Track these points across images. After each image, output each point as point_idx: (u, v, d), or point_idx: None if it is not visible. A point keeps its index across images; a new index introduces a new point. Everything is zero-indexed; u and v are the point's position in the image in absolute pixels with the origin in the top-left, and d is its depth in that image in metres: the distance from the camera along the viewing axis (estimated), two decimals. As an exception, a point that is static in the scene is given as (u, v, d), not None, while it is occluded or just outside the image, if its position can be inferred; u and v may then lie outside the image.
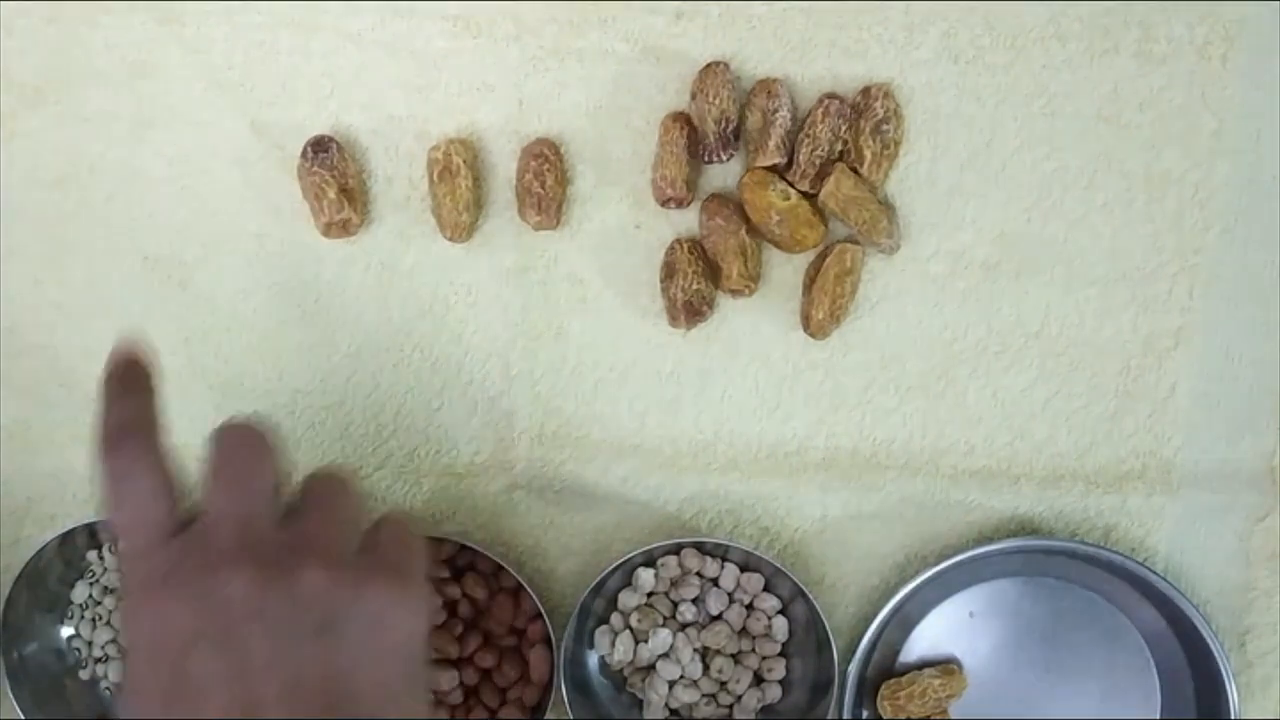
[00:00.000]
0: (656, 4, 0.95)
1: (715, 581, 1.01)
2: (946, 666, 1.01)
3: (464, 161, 0.96)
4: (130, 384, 0.80)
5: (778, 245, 0.96)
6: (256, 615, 0.68)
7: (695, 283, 0.96)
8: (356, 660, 0.70)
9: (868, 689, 1.01)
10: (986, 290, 0.97)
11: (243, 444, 0.75)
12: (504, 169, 0.99)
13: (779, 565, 0.97)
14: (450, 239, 0.97)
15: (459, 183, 0.96)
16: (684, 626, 1.01)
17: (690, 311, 0.96)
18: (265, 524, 0.72)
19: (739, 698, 1.01)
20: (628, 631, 1.01)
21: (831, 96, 0.94)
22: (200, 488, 0.73)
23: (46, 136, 1.00)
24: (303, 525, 0.73)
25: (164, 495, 0.73)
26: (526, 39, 0.96)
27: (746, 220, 0.96)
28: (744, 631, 1.01)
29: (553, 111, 0.97)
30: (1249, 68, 0.94)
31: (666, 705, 1.01)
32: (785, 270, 0.98)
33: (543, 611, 0.98)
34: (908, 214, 0.97)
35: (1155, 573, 0.97)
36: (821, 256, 0.96)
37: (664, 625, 1.00)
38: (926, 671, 1.01)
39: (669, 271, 0.97)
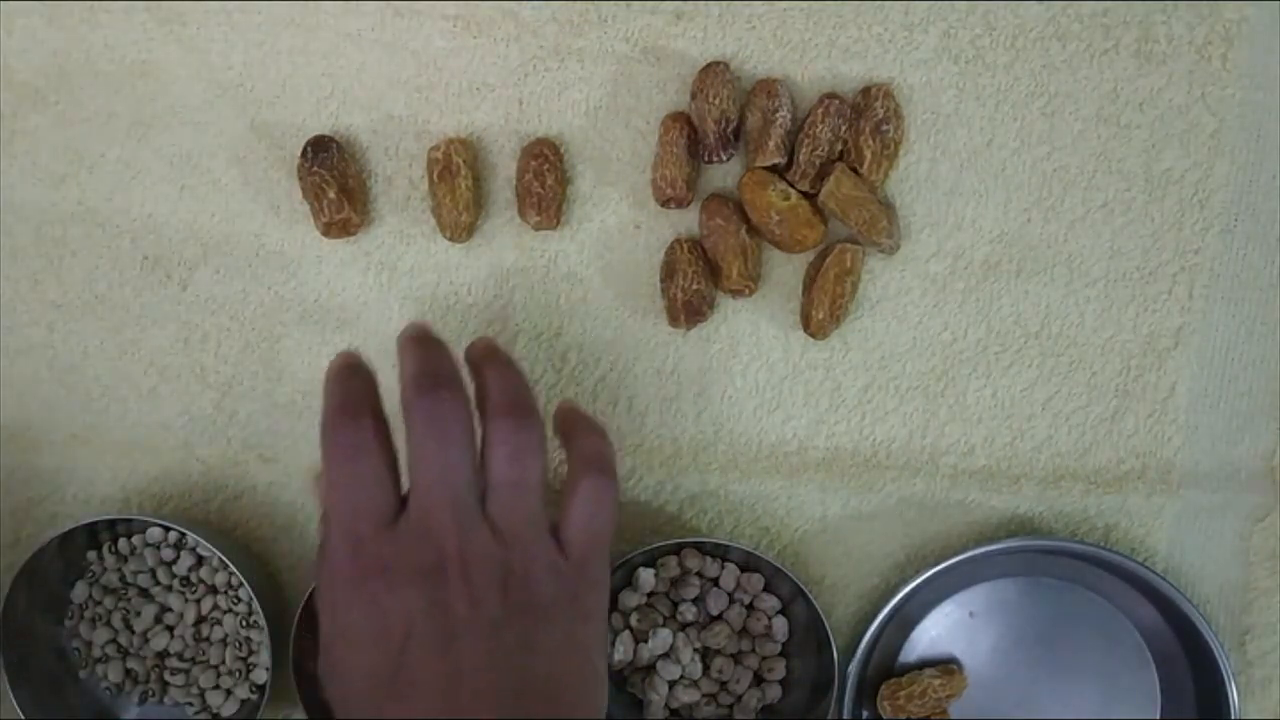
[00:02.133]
0: (656, 4, 0.95)
1: (715, 581, 1.00)
2: (946, 666, 1.00)
3: (464, 161, 0.95)
4: (353, 371, 0.82)
5: (778, 245, 0.96)
6: (470, 623, 0.73)
7: (695, 283, 0.95)
8: (554, 666, 0.75)
9: (868, 689, 1.01)
10: (986, 290, 0.97)
11: (440, 421, 0.77)
12: (504, 169, 0.98)
13: (779, 565, 0.97)
14: (450, 239, 0.97)
15: (459, 183, 0.95)
16: (684, 626, 1.00)
17: (690, 311, 0.96)
18: (473, 513, 0.76)
19: (739, 698, 1.00)
20: (628, 631, 1.00)
21: (831, 96, 0.94)
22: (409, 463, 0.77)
23: (46, 136, 1.00)
24: (505, 516, 0.77)
25: (386, 480, 0.77)
26: (526, 39, 0.96)
27: (746, 220, 0.95)
28: (744, 631, 1.00)
29: (553, 111, 0.97)
30: (1249, 68, 0.94)
31: (667, 705, 1.00)
32: (785, 270, 0.98)
33: (543, 611, 0.97)
34: (908, 214, 0.96)
35: (1155, 572, 0.96)
36: (821, 256, 0.96)
37: (664, 625, 0.99)
38: (926, 671, 1.00)
39: (669, 271, 0.96)
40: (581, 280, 0.99)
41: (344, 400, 0.79)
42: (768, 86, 0.94)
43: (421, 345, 0.81)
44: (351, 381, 0.81)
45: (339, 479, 0.76)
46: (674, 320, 0.97)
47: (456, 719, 0.71)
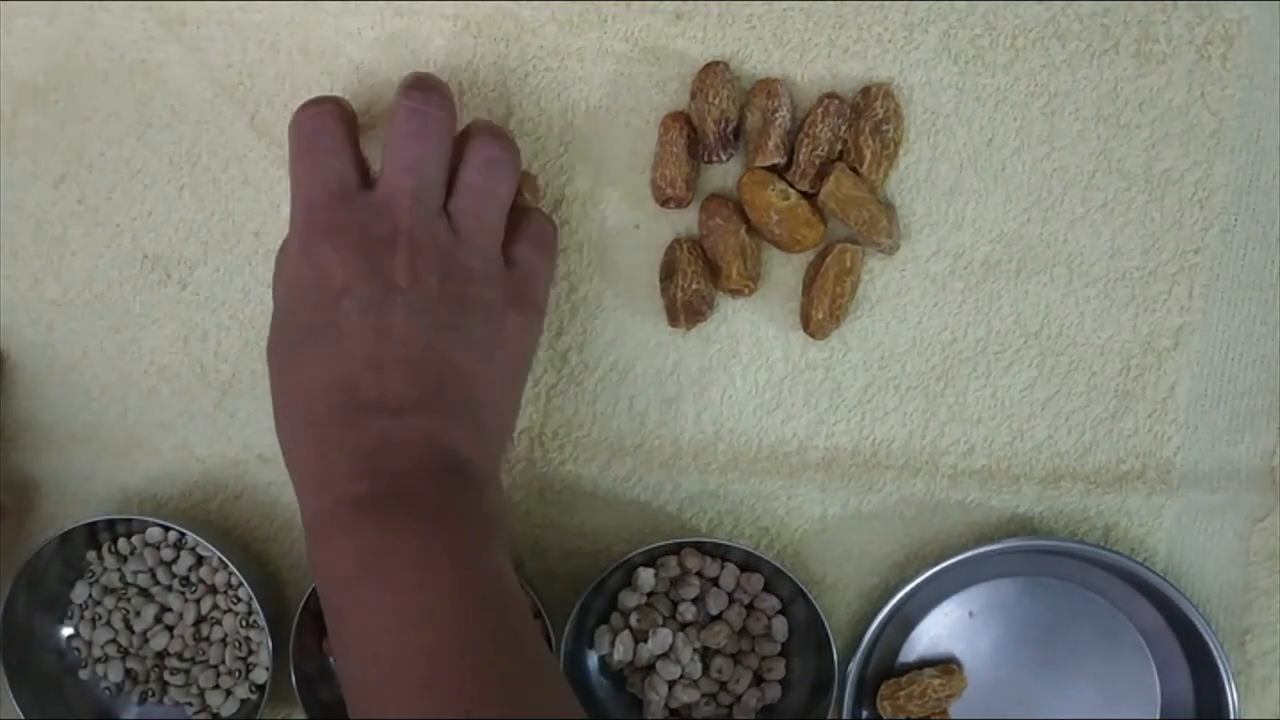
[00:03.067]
0: (656, 4, 0.94)
1: (715, 581, 1.00)
2: (946, 666, 1.00)
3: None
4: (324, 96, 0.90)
5: (777, 245, 0.95)
6: (406, 293, 0.81)
7: (695, 282, 0.95)
8: (474, 358, 0.84)
9: (868, 689, 1.00)
10: (986, 290, 0.97)
11: (423, 117, 0.84)
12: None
13: (779, 565, 0.96)
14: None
15: None
16: (684, 626, 0.99)
17: (690, 311, 0.95)
18: (433, 204, 0.84)
19: (739, 697, 1.00)
20: (627, 631, 1.00)
21: (831, 96, 0.93)
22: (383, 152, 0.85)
23: (46, 135, 0.99)
24: (464, 216, 0.85)
25: (346, 156, 0.85)
26: (526, 38, 0.96)
27: (746, 220, 0.95)
28: (744, 631, 1.00)
29: (552, 111, 0.97)
30: (1249, 67, 0.93)
31: (666, 705, 1.00)
32: (785, 270, 0.98)
33: (543, 611, 0.97)
34: (907, 214, 0.96)
35: (1155, 572, 0.96)
36: (821, 256, 0.95)
37: (664, 625, 0.99)
38: (926, 671, 1.00)
39: (668, 271, 0.96)
40: (581, 280, 0.98)
41: (315, 100, 0.88)
42: (767, 86, 0.93)
43: (422, 74, 0.88)
44: (320, 99, 0.89)
45: (300, 153, 0.86)
46: (674, 320, 0.96)
47: (374, 374, 0.80)
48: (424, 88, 0.85)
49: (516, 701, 0.75)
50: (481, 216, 0.85)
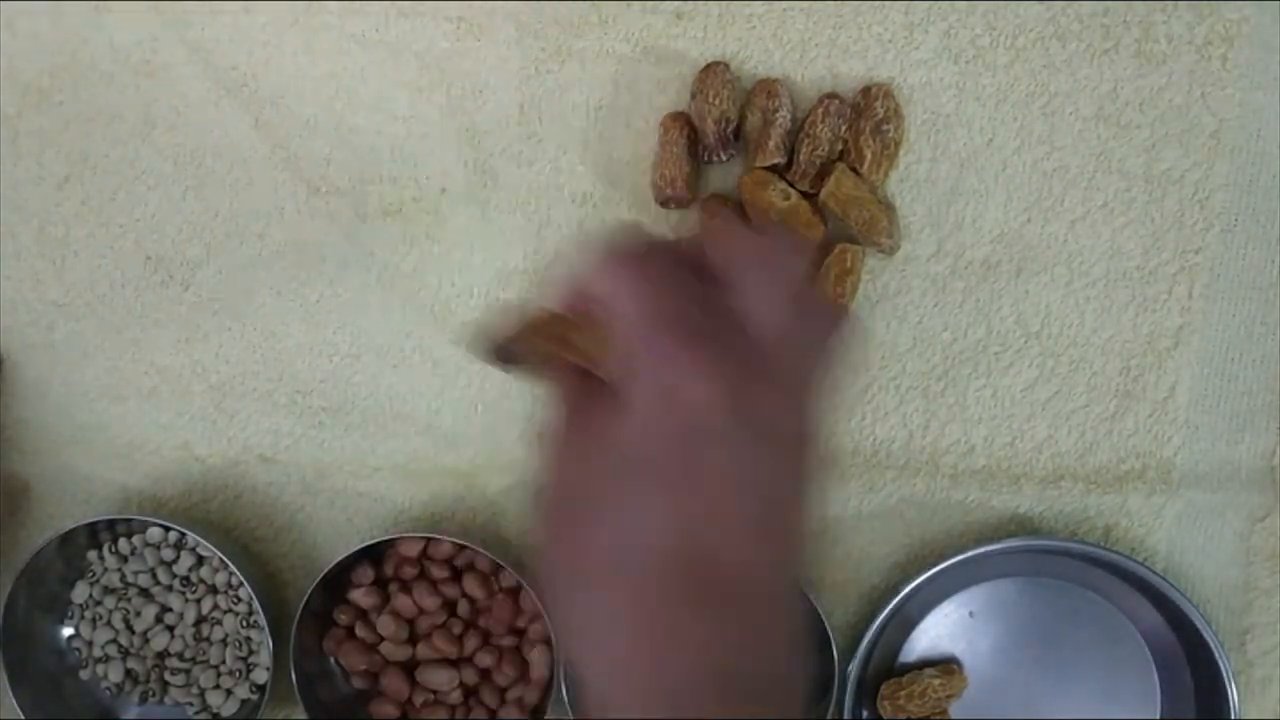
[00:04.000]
0: (656, 5, 0.94)
1: (715, 581, 0.99)
2: (946, 666, 0.99)
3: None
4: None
5: None
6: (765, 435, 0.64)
7: None
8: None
9: (868, 689, 1.00)
10: (986, 290, 0.96)
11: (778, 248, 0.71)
12: (504, 172, 0.97)
13: (778, 565, 0.95)
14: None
15: None
16: (684, 626, 0.98)
17: None
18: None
19: (738, 698, 0.98)
20: (628, 631, 0.99)
21: (831, 96, 0.93)
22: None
23: (51, 136, 0.99)
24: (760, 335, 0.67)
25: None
26: (528, 41, 0.95)
27: (746, 220, 0.94)
28: (744, 632, 0.99)
29: (554, 112, 0.96)
30: (1249, 68, 0.93)
31: (666, 705, 0.98)
32: (785, 270, 0.97)
33: (543, 611, 0.97)
34: (908, 214, 0.95)
35: (1155, 572, 0.95)
36: (821, 256, 0.95)
37: (664, 625, 0.98)
38: (926, 671, 0.99)
39: None
40: (579, 279, 0.97)
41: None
42: (768, 87, 0.93)
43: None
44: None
45: (628, 281, 0.66)
46: None
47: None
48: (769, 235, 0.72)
49: None
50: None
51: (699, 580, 0.61)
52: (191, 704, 1.02)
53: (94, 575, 1.03)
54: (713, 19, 0.94)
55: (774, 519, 0.64)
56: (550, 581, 0.65)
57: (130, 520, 1.01)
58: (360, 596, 1.00)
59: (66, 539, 0.99)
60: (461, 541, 0.98)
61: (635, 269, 0.67)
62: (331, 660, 1.02)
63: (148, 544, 1.02)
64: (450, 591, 1.00)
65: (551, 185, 0.97)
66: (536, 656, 0.99)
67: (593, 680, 0.63)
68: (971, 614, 1.00)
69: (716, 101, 0.92)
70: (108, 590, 1.03)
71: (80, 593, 1.03)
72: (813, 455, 0.69)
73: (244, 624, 1.01)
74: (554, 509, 0.66)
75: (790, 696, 0.62)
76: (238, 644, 1.01)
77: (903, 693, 0.98)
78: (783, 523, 0.65)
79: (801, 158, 0.93)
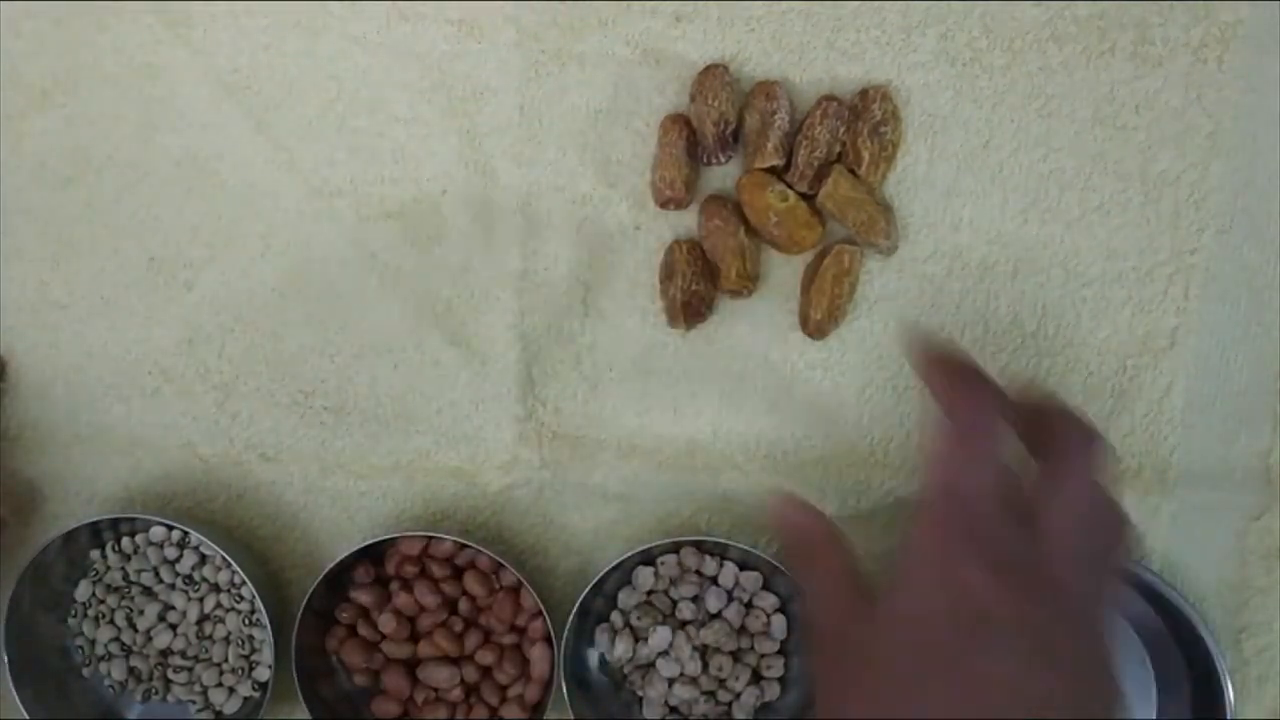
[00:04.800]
0: (656, 7, 0.93)
1: (714, 580, 0.99)
2: None
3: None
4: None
5: (776, 246, 0.94)
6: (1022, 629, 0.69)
7: (694, 283, 0.94)
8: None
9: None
10: (983, 291, 0.95)
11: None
12: (505, 173, 0.96)
13: (777, 563, 0.96)
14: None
15: None
16: (683, 624, 0.99)
17: (690, 312, 0.95)
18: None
19: (738, 695, 0.98)
20: (627, 629, 0.99)
21: (829, 99, 0.92)
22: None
23: (54, 138, 0.98)
24: (1053, 546, 0.73)
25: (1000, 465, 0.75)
26: (528, 43, 0.95)
27: (745, 221, 0.94)
28: (742, 629, 0.99)
29: (554, 115, 0.95)
30: (1245, 69, 0.92)
31: (665, 702, 0.99)
32: (784, 271, 0.97)
33: (543, 609, 0.96)
34: (905, 215, 0.95)
35: (1151, 571, 0.95)
36: (819, 257, 0.95)
37: (663, 623, 0.98)
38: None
39: (668, 272, 0.95)
40: (582, 281, 0.97)
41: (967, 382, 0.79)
42: (766, 89, 0.93)
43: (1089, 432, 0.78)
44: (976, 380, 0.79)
45: (961, 448, 0.75)
46: (674, 321, 0.96)
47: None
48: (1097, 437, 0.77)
49: None
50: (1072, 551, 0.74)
51: None
52: (194, 702, 1.02)
53: (97, 574, 1.02)
54: (712, 22, 0.94)
55: None
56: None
57: (133, 519, 1.01)
58: (362, 595, 1.00)
59: (70, 538, 0.98)
60: (462, 540, 0.98)
61: (963, 451, 0.74)
62: (333, 658, 1.02)
63: (150, 543, 1.01)
64: (451, 590, 0.99)
65: (552, 187, 0.96)
66: (537, 654, 0.98)
67: None
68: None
69: (715, 104, 0.92)
70: (110, 589, 1.03)
71: (83, 591, 1.03)
72: (1100, 683, 0.73)
73: (246, 622, 1.01)
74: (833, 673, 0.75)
75: None
76: (240, 642, 1.01)
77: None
78: None
79: (800, 159, 0.93)
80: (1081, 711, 0.69)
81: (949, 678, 0.69)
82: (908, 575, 0.74)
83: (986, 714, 0.67)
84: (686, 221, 0.96)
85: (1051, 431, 0.78)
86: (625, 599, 0.99)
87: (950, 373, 0.79)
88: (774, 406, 0.98)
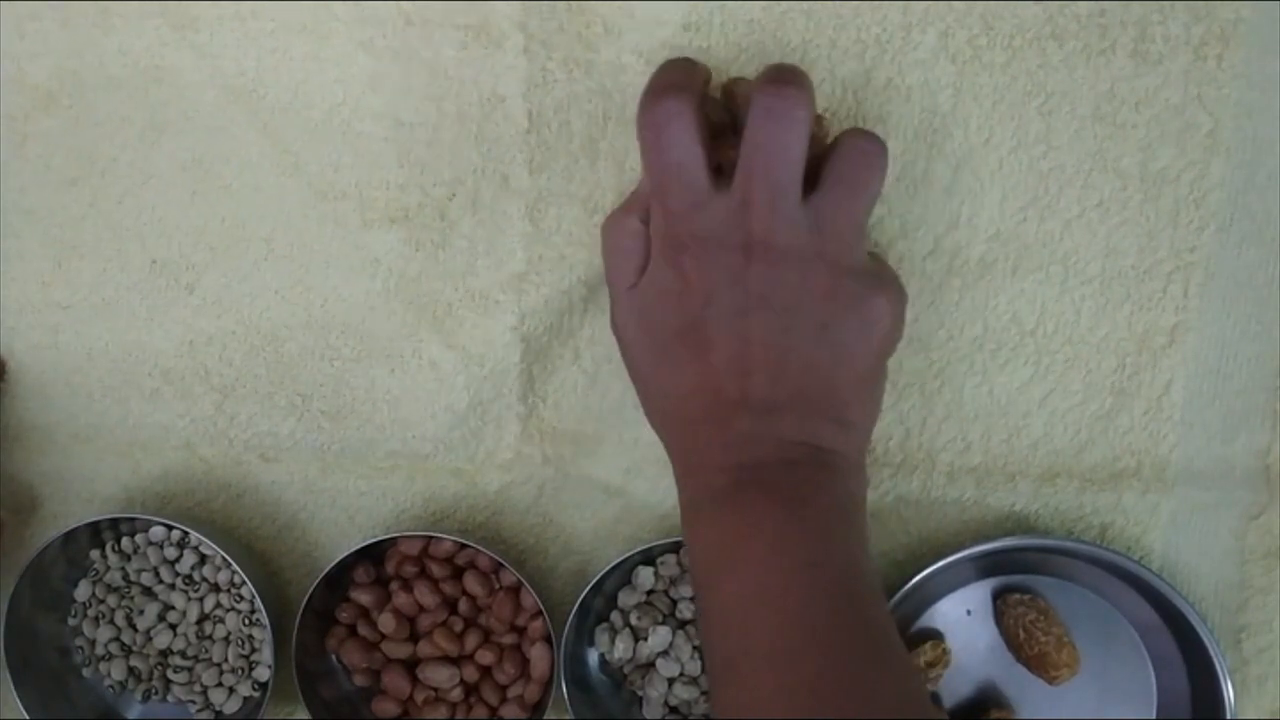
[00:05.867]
0: (663, 15, 0.93)
1: (714, 580, 0.98)
2: (934, 643, 0.98)
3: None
4: (679, 59, 0.88)
5: None
6: (767, 301, 0.80)
7: None
8: (839, 356, 0.82)
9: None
10: (982, 288, 0.95)
11: (784, 116, 0.80)
12: (516, 180, 0.96)
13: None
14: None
15: None
16: (683, 624, 0.98)
17: None
18: (792, 202, 0.80)
19: (737, 697, 0.98)
20: (627, 629, 0.98)
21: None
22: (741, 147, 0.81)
23: (59, 140, 0.98)
24: (832, 210, 0.82)
25: (699, 154, 0.82)
26: (536, 49, 0.94)
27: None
28: (743, 631, 0.98)
29: (562, 121, 0.95)
30: (1245, 68, 0.92)
31: (666, 702, 0.98)
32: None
33: (543, 609, 0.96)
34: (904, 212, 0.94)
35: (1151, 571, 0.94)
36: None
37: (663, 623, 0.98)
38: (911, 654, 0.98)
39: None
40: (583, 281, 0.97)
41: (665, 78, 0.85)
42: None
43: (783, 66, 0.83)
44: (673, 65, 0.87)
45: (652, 152, 0.83)
46: None
47: (739, 379, 0.81)
48: (782, 81, 0.81)
49: (858, 679, 0.74)
50: (851, 213, 0.83)
51: (711, 404, 0.83)
52: (194, 702, 1.01)
53: (97, 574, 1.02)
54: (716, 30, 0.93)
55: (761, 361, 0.82)
56: (643, 397, 0.89)
57: (133, 519, 1.00)
58: (361, 595, 0.99)
59: (70, 538, 0.98)
60: (462, 540, 0.97)
61: (666, 158, 0.83)
62: (333, 658, 1.01)
63: (150, 543, 1.01)
64: (451, 589, 0.99)
65: (560, 193, 0.96)
66: (537, 654, 0.98)
67: (672, 466, 0.87)
68: (969, 612, 0.99)
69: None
70: (110, 589, 1.02)
71: (83, 591, 1.02)
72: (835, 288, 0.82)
73: (246, 622, 1.00)
74: (640, 343, 0.87)
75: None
76: (240, 642, 1.00)
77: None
78: (771, 363, 0.81)
79: None
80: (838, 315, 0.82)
81: (680, 352, 0.84)
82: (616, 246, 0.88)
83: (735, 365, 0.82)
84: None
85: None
86: (625, 599, 0.99)
87: (661, 66, 0.88)
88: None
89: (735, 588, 0.77)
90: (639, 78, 0.93)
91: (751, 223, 0.80)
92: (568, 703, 0.97)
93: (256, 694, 1.01)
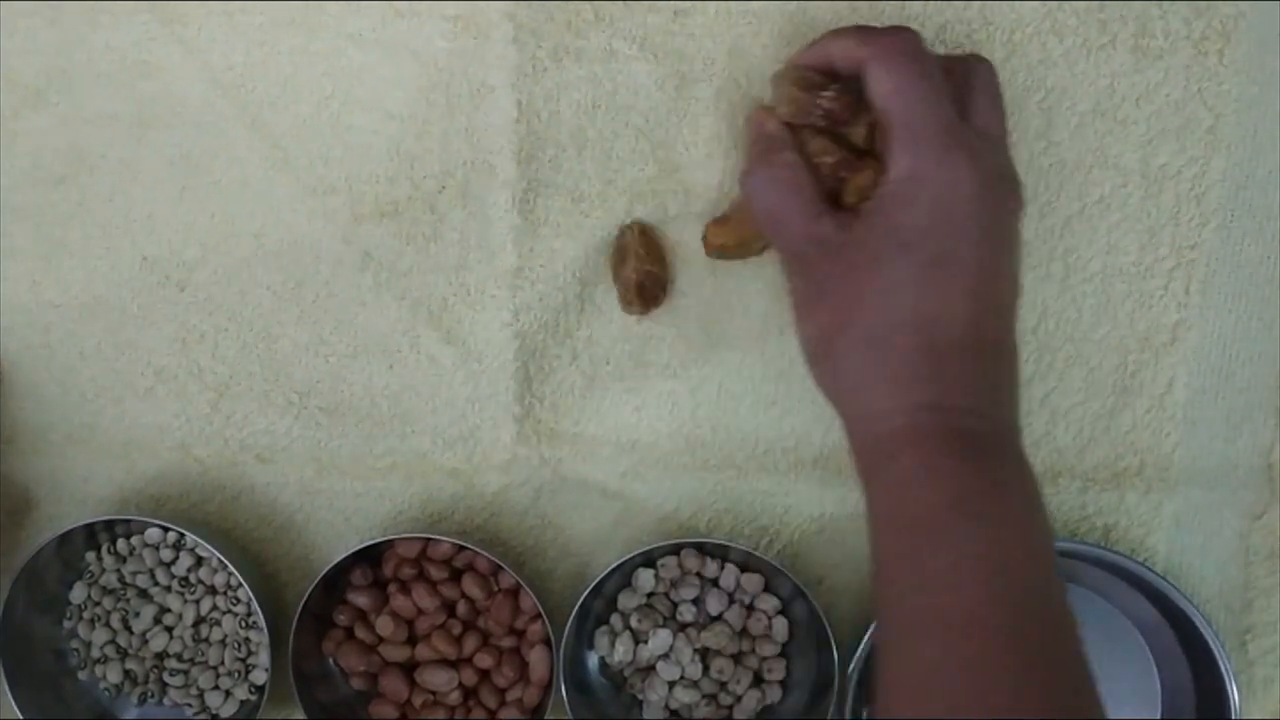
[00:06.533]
0: (655, 3, 0.93)
1: (715, 582, 0.99)
2: None
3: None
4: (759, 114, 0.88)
5: None
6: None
7: (648, 264, 0.94)
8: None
9: (868, 689, 0.98)
10: (983, 286, 0.95)
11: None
12: (503, 171, 0.96)
13: (779, 565, 0.95)
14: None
15: None
16: (683, 627, 0.99)
17: (645, 294, 0.95)
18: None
19: (739, 698, 0.98)
20: (627, 632, 0.99)
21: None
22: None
23: (47, 137, 0.98)
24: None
25: (802, 193, 0.82)
26: (526, 39, 0.94)
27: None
28: (744, 632, 0.99)
29: (553, 111, 0.95)
30: (1245, 63, 0.92)
31: (666, 706, 0.99)
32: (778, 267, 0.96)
33: (542, 612, 0.96)
34: (905, 210, 0.94)
35: (1155, 572, 0.95)
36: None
37: (663, 626, 0.98)
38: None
39: (621, 256, 0.96)
40: (582, 278, 0.97)
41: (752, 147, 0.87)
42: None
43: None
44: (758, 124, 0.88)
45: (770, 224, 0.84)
46: (629, 304, 0.96)
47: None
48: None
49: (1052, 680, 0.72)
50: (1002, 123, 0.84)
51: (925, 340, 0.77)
52: (190, 705, 1.02)
53: (92, 576, 1.02)
54: (710, 17, 0.93)
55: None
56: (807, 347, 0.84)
57: (129, 521, 1.01)
58: (359, 597, 1.00)
59: (65, 540, 0.98)
60: (460, 542, 0.97)
61: (912, 61, 0.80)
62: (330, 661, 1.02)
63: (146, 545, 1.01)
64: (449, 592, 0.99)
65: (550, 184, 0.96)
66: (536, 657, 0.98)
67: (848, 408, 0.82)
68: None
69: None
70: (106, 591, 1.03)
71: (78, 593, 1.03)
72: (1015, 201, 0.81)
73: (243, 625, 1.01)
74: (811, 290, 0.83)
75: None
76: (236, 645, 1.00)
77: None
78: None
79: None
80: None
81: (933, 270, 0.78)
82: (912, 181, 0.79)
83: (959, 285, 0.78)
84: (660, 212, 0.97)
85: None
86: (625, 601, 0.99)
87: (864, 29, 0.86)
88: (774, 403, 0.97)
89: (969, 547, 0.74)
90: (629, 64, 0.94)
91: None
92: (567, 706, 0.97)
93: (253, 697, 1.02)
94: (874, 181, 0.80)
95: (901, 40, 0.81)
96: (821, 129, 0.84)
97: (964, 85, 0.82)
